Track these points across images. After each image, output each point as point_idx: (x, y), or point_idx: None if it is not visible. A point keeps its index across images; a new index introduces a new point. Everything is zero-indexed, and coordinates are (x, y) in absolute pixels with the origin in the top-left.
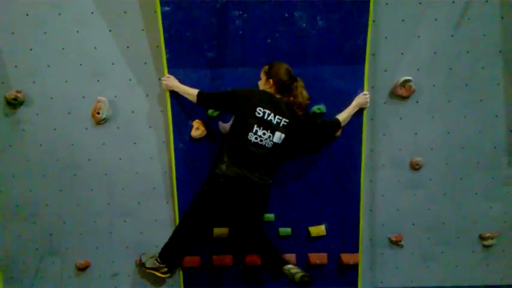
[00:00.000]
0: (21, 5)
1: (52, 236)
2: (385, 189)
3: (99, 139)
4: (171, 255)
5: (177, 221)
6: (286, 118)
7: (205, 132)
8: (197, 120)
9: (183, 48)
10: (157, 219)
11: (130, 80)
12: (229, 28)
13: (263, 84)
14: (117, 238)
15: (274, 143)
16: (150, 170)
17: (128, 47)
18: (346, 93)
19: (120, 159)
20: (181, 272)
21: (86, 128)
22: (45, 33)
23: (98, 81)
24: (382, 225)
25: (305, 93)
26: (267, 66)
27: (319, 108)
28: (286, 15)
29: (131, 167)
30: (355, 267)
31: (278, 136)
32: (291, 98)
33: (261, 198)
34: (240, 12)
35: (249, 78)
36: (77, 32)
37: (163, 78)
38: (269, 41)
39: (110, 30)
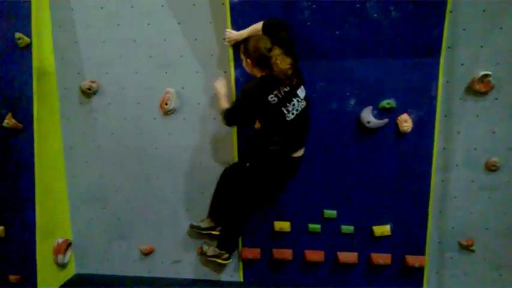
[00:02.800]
0: None
1: (120, 221)
2: (457, 191)
3: (166, 129)
4: (229, 241)
5: None
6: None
7: None
8: None
9: None
10: None
11: (197, 72)
12: (297, 19)
13: (246, 66)
14: (181, 226)
15: (304, 98)
16: (213, 162)
17: (195, 39)
18: (418, 87)
19: (186, 149)
20: (240, 263)
21: (154, 118)
22: (118, 25)
23: (166, 72)
24: (452, 228)
25: (283, 62)
26: (242, 46)
27: (388, 103)
28: (358, 5)
29: (196, 157)
30: (420, 270)
31: (300, 91)
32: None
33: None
34: (309, 3)
35: (316, 70)
36: (148, 24)
37: (226, 31)
38: (338, 32)
39: (179, 23)
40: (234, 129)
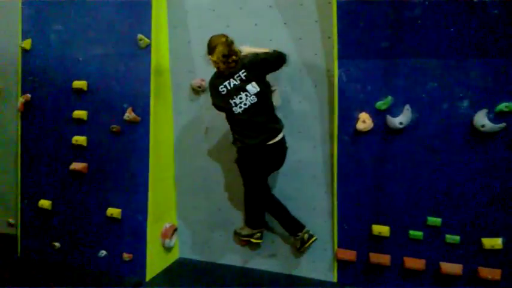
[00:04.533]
0: (209, 1)
1: (220, 211)
2: None
3: None
4: (255, 219)
5: (336, 211)
6: (242, 71)
7: (371, 126)
8: (364, 113)
9: (355, 38)
10: (316, 207)
11: (300, 70)
12: (407, 17)
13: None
14: (276, 221)
15: (256, 94)
16: (311, 158)
17: (300, 38)
18: None
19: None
20: (335, 263)
21: None
22: (227, 26)
23: None
24: None
25: (217, 52)
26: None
27: (507, 106)
28: (476, 0)
29: (294, 154)
30: None
31: (251, 88)
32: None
33: (283, 153)
34: (421, 0)
35: (425, 70)
36: (255, 25)
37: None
38: (452, 30)
39: (285, 23)
40: (335, 128)
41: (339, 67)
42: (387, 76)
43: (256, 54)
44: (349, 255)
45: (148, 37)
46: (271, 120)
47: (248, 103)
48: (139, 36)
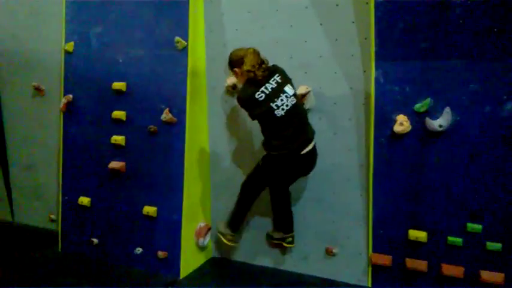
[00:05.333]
0: (245, 4)
1: (253, 212)
2: None
3: None
4: (284, 224)
5: (371, 215)
6: (276, 75)
7: (409, 128)
8: (402, 115)
9: (393, 39)
10: (350, 211)
11: (335, 72)
12: (447, 17)
13: (236, 78)
14: (310, 223)
15: (293, 95)
16: (346, 161)
17: (336, 39)
18: None
19: (319, 148)
20: (370, 268)
21: None
22: (262, 28)
23: (306, 73)
24: None
25: (251, 61)
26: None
27: None
28: None
29: (328, 157)
30: None
31: (288, 89)
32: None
33: (315, 157)
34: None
35: (466, 71)
36: (291, 26)
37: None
38: (495, 29)
39: (321, 24)
40: (371, 130)
41: (376, 68)
42: (426, 77)
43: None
44: (385, 260)
45: (186, 39)
46: (307, 124)
47: (290, 104)
48: (177, 38)
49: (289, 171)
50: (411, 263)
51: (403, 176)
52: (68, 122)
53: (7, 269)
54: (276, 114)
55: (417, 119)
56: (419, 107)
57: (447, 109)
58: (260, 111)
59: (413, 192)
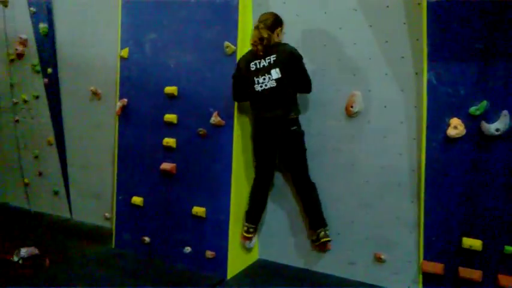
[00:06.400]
0: (293, 7)
1: (300, 215)
2: None
3: (349, 131)
4: (319, 217)
5: (422, 222)
6: (273, 55)
7: (464, 132)
8: (456, 119)
9: (446, 40)
10: (399, 217)
11: (386, 74)
12: (505, 16)
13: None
14: (357, 228)
15: (276, 79)
16: (397, 166)
17: (386, 41)
18: None
19: (368, 152)
20: (420, 276)
21: (338, 120)
22: (310, 31)
23: (354, 75)
24: None
25: (255, 35)
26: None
27: None
28: None
29: (378, 161)
30: None
31: (274, 73)
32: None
33: (290, 135)
34: None
35: None
36: (340, 28)
37: None
38: None
39: (371, 26)
40: (423, 134)
41: (429, 70)
42: (482, 79)
43: (299, 57)
44: (436, 268)
45: (235, 44)
46: (283, 106)
47: (268, 86)
48: (226, 43)
49: (259, 139)
50: (464, 272)
51: (456, 182)
52: (122, 125)
53: (62, 262)
54: (254, 88)
55: (472, 122)
56: (475, 110)
57: (505, 112)
58: (243, 77)
59: (468, 199)
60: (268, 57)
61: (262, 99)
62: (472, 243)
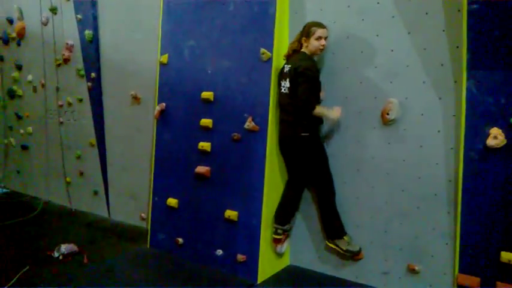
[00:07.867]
0: (330, 14)
1: None
2: None
3: (385, 139)
4: (338, 228)
5: (458, 234)
6: (289, 66)
7: (504, 142)
8: (496, 128)
9: (487, 47)
10: (435, 228)
11: (423, 82)
12: None
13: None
14: (392, 238)
15: (287, 88)
16: (433, 175)
17: (424, 48)
18: None
19: (404, 160)
20: None
21: (374, 127)
22: (347, 38)
23: (391, 82)
24: None
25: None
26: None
27: None
28: None
29: (414, 170)
30: None
31: (284, 83)
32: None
33: (295, 140)
34: None
35: None
36: (377, 35)
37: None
38: None
39: (409, 33)
40: (461, 144)
41: (468, 78)
42: None
43: (304, 70)
44: (472, 281)
45: (270, 51)
46: (293, 115)
47: (285, 91)
48: (262, 50)
49: (279, 142)
50: (503, 286)
51: (495, 194)
52: (160, 128)
53: (99, 259)
54: (280, 89)
55: None
56: None
57: None
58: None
59: (507, 212)
60: (288, 65)
61: (281, 102)
62: (510, 257)
